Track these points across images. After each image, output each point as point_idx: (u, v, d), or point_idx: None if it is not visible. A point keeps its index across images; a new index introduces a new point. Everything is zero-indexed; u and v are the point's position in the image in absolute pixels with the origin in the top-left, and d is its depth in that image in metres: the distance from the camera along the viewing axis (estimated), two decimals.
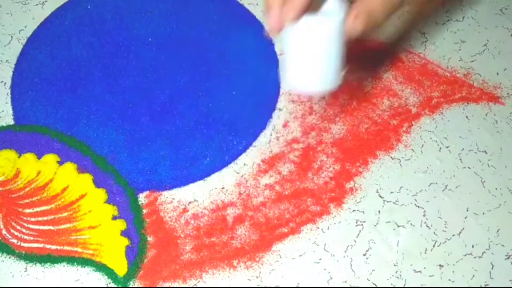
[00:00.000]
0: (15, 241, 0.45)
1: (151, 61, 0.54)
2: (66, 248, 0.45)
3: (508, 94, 0.52)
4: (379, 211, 0.47)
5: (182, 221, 0.46)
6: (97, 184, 0.47)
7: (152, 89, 0.52)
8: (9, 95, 0.52)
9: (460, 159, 0.49)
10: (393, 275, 0.44)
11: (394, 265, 0.45)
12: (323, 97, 0.50)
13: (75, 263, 0.44)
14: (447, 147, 0.50)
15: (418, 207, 0.47)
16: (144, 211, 0.47)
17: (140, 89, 0.52)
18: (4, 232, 0.45)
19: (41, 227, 0.46)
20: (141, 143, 0.50)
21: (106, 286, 0.44)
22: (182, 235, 0.46)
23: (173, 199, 0.47)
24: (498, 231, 0.46)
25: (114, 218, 0.46)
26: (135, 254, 0.45)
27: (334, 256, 0.45)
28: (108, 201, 0.47)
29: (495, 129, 0.50)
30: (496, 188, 0.48)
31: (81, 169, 0.48)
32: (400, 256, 0.45)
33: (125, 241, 0.45)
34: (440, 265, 0.45)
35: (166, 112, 0.51)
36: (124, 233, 0.45)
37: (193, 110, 0.51)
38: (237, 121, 0.51)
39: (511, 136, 0.50)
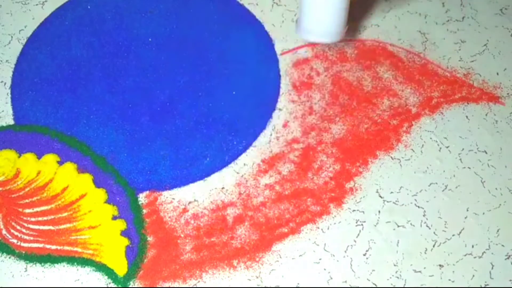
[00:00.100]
0: (15, 241, 0.45)
1: (151, 61, 0.54)
2: (66, 248, 0.45)
3: (508, 94, 0.52)
4: (379, 211, 0.47)
5: (182, 221, 0.46)
6: (97, 184, 0.47)
7: (152, 89, 0.52)
8: (9, 95, 0.52)
9: (460, 159, 0.49)
10: (393, 275, 0.44)
11: (394, 265, 0.45)
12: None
13: (75, 263, 0.44)
14: (447, 147, 0.50)
15: (418, 207, 0.47)
16: (144, 211, 0.47)
17: (140, 89, 0.52)
18: (4, 232, 0.45)
19: (41, 227, 0.46)
20: (141, 143, 0.50)
21: (106, 286, 0.44)
22: (182, 235, 0.46)
23: (173, 199, 0.47)
24: (498, 231, 0.46)
25: (114, 218, 0.46)
26: (135, 254, 0.45)
27: (334, 256, 0.45)
28: (108, 201, 0.47)
29: (495, 129, 0.50)
30: (496, 188, 0.48)
31: (81, 169, 0.48)
32: (400, 256, 0.45)
33: (125, 241, 0.45)
34: (440, 265, 0.45)
35: (166, 112, 0.51)
36: (124, 233, 0.45)
37: (193, 110, 0.51)
38: (237, 121, 0.51)
39: (511, 136, 0.50)
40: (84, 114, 0.51)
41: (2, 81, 0.52)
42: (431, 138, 0.50)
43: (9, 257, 0.45)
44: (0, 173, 0.48)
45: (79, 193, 0.47)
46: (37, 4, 0.57)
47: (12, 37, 0.55)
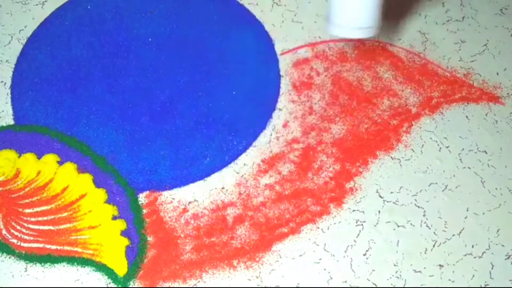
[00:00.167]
0: (15, 241, 0.45)
1: (151, 61, 0.54)
2: (66, 248, 0.45)
3: (508, 94, 0.52)
4: (379, 211, 0.47)
5: (182, 221, 0.46)
6: (97, 184, 0.47)
7: (152, 89, 0.52)
8: (9, 95, 0.52)
9: (460, 159, 0.49)
10: (393, 275, 0.44)
11: (394, 265, 0.45)
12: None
13: (75, 263, 0.44)
14: (447, 147, 0.50)
15: (418, 207, 0.47)
16: (144, 211, 0.47)
17: (140, 89, 0.52)
18: (4, 232, 0.45)
19: (41, 227, 0.46)
20: (141, 143, 0.50)
21: (106, 286, 0.44)
22: (182, 235, 0.46)
23: (173, 199, 0.47)
24: (498, 231, 0.46)
25: (114, 218, 0.46)
26: (135, 254, 0.45)
27: (334, 256, 0.45)
28: (108, 201, 0.47)
29: (495, 129, 0.51)
30: (496, 188, 0.48)
31: (81, 169, 0.48)
32: (400, 256, 0.45)
33: (125, 241, 0.45)
34: (440, 265, 0.45)
35: (166, 112, 0.51)
36: (124, 233, 0.46)
37: (193, 110, 0.51)
38: (237, 121, 0.51)
39: (511, 136, 0.50)
40: (84, 114, 0.51)
41: (2, 81, 0.52)
42: (431, 138, 0.50)
43: (9, 257, 0.45)
44: (0, 173, 0.48)
45: (79, 193, 0.47)
46: (37, 4, 0.57)
47: (12, 37, 0.55)
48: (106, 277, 0.44)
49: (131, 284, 0.44)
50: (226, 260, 0.45)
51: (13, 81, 0.53)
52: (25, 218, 0.46)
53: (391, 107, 0.51)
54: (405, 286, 0.44)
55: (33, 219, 0.46)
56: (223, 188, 0.48)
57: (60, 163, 0.48)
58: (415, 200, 0.47)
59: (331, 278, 0.44)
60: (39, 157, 0.48)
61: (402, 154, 0.49)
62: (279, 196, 0.47)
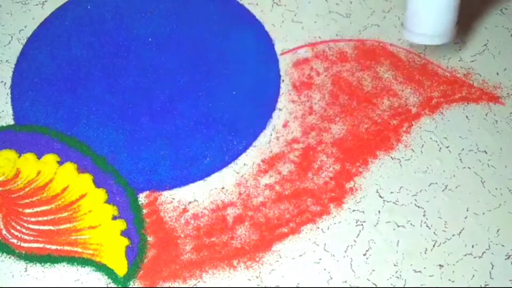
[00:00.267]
0: (15, 241, 0.45)
1: (151, 61, 0.54)
2: (66, 248, 0.45)
3: (508, 94, 0.52)
4: (379, 211, 0.47)
5: (182, 221, 0.46)
6: (97, 184, 0.47)
7: (152, 89, 0.52)
8: (9, 95, 0.52)
9: (460, 159, 0.49)
10: (393, 275, 0.44)
11: (394, 265, 0.45)
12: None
13: (75, 263, 0.44)
14: (447, 147, 0.50)
15: (418, 207, 0.47)
16: (144, 211, 0.47)
17: (140, 89, 0.52)
18: (4, 232, 0.45)
19: (41, 227, 0.46)
20: (141, 143, 0.50)
21: (106, 286, 0.44)
22: (182, 235, 0.46)
23: (173, 199, 0.47)
24: (498, 231, 0.46)
25: (114, 218, 0.46)
26: (135, 254, 0.45)
27: (334, 256, 0.45)
28: (108, 201, 0.47)
29: (495, 129, 0.51)
30: (496, 188, 0.48)
31: (81, 169, 0.48)
32: (400, 256, 0.45)
33: (125, 241, 0.45)
34: (440, 265, 0.45)
35: (166, 112, 0.51)
36: (124, 233, 0.46)
37: (193, 110, 0.51)
38: (237, 121, 0.51)
39: (511, 136, 0.50)
40: (84, 114, 0.51)
41: (2, 81, 0.52)
42: (431, 138, 0.50)
43: (9, 257, 0.45)
44: (0, 173, 0.48)
45: (79, 193, 0.47)
46: (37, 4, 0.57)
47: (12, 37, 0.55)
48: (106, 277, 0.44)
49: (131, 284, 0.44)
50: (226, 260, 0.45)
51: (13, 81, 0.53)
52: (25, 218, 0.46)
53: (391, 107, 0.51)
54: (405, 286, 0.44)
55: (33, 219, 0.46)
56: (223, 188, 0.48)
57: (60, 163, 0.48)
58: (415, 200, 0.47)
59: (331, 278, 0.44)
60: (39, 157, 0.48)
61: (402, 154, 0.49)
62: (279, 196, 0.47)
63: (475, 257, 0.45)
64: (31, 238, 0.45)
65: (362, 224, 0.46)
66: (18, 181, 0.47)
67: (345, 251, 0.45)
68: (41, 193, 0.47)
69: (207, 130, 0.50)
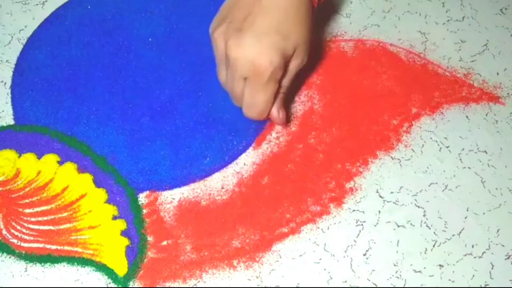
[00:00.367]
0: (15, 241, 0.45)
1: (151, 61, 0.54)
2: (66, 248, 0.45)
3: (508, 94, 0.52)
4: (379, 211, 0.47)
5: (182, 221, 0.46)
6: (97, 184, 0.47)
7: (152, 89, 0.52)
8: (9, 95, 0.52)
9: (460, 159, 0.49)
10: (393, 275, 0.44)
11: (394, 265, 0.45)
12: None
13: (75, 263, 0.44)
14: (447, 147, 0.50)
15: (418, 207, 0.47)
16: (144, 211, 0.47)
17: (140, 89, 0.52)
18: (4, 232, 0.45)
19: (41, 227, 0.46)
20: (141, 143, 0.50)
21: (106, 286, 0.44)
22: (182, 235, 0.46)
23: (173, 199, 0.47)
24: (498, 231, 0.46)
25: (114, 218, 0.46)
26: (135, 254, 0.45)
27: (334, 256, 0.45)
28: (108, 201, 0.47)
29: (495, 129, 0.51)
30: (496, 188, 0.48)
31: (81, 169, 0.48)
32: (400, 256, 0.45)
33: (125, 241, 0.45)
34: (440, 265, 0.45)
35: (166, 112, 0.51)
36: (124, 233, 0.46)
37: (193, 110, 0.51)
38: (237, 121, 0.50)
39: (511, 136, 0.50)
40: (84, 114, 0.51)
41: (2, 81, 0.52)
42: (431, 138, 0.50)
43: (9, 257, 0.45)
44: (0, 173, 0.48)
45: (79, 193, 0.47)
46: (37, 4, 0.57)
47: (12, 37, 0.55)
48: (106, 277, 0.44)
49: (131, 284, 0.44)
50: (226, 260, 0.45)
51: (13, 81, 0.53)
52: (25, 218, 0.46)
53: (391, 107, 0.51)
54: (405, 286, 0.44)
55: (33, 219, 0.46)
56: (223, 188, 0.48)
57: (60, 163, 0.48)
58: (415, 200, 0.47)
59: (331, 278, 0.44)
60: (39, 157, 0.48)
61: (402, 154, 0.49)
62: (279, 196, 0.47)
63: (475, 257, 0.45)
64: (31, 238, 0.45)
65: (362, 224, 0.46)
66: (18, 181, 0.47)
67: (345, 251, 0.45)
68: (41, 193, 0.47)
69: (207, 130, 0.50)
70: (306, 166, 0.49)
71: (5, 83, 0.52)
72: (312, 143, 0.50)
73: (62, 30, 0.55)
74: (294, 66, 0.46)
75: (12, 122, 0.50)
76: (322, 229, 0.46)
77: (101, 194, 0.47)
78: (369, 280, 0.44)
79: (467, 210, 0.47)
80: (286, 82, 0.46)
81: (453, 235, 0.46)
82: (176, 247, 0.45)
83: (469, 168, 0.49)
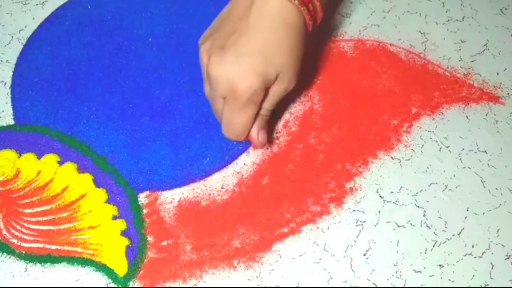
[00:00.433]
0: (15, 241, 0.45)
1: (151, 61, 0.54)
2: (66, 248, 0.45)
3: (508, 94, 0.52)
4: (379, 211, 0.47)
5: (182, 221, 0.46)
6: (97, 184, 0.47)
7: (152, 89, 0.52)
8: (9, 95, 0.52)
9: (460, 159, 0.49)
10: (393, 275, 0.44)
11: (394, 265, 0.45)
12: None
13: (75, 263, 0.44)
14: (447, 147, 0.50)
15: (418, 207, 0.47)
16: (144, 211, 0.47)
17: (140, 89, 0.52)
18: (4, 232, 0.45)
19: (41, 227, 0.46)
20: (141, 143, 0.50)
21: (106, 286, 0.44)
22: (182, 235, 0.46)
23: (173, 199, 0.47)
24: (498, 231, 0.46)
25: (114, 218, 0.46)
26: (135, 254, 0.45)
27: (334, 256, 0.45)
28: (108, 201, 0.47)
29: (495, 129, 0.51)
30: (496, 188, 0.48)
31: (81, 169, 0.48)
32: (400, 256, 0.45)
33: (125, 241, 0.45)
34: (440, 265, 0.45)
35: (166, 112, 0.51)
36: (124, 233, 0.46)
37: (193, 110, 0.51)
38: None
39: (511, 136, 0.50)
40: (84, 114, 0.51)
41: (2, 81, 0.52)
42: (431, 138, 0.50)
43: (9, 257, 0.45)
44: (0, 173, 0.48)
45: (79, 193, 0.47)
46: (37, 4, 0.57)
47: (12, 37, 0.55)
48: (106, 277, 0.44)
49: (131, 284, 0.44)
50: (226, 260, 0.45)
51: (13, 81, 0.53)
52: (25, 218, 0.46)
53: (391, 107, 0.51)
54: (405, 286, 0.44)
55: (33, 219, 0.46)
56: (223, 188, 0.48)
57: (60, 163, 0.48)
58: (415, 200, 0.47)
59: (331, 278, 0.44)
60: (39, 157, 0.48)
61: (402, 154, 0.49)
62: (279, 196, 0.47)
63: (475, 257, 0.45)
64: (31, 238, 0.45)
65: (362, 224, 0.46)
66: (18, 181, 0.47)
67: (345, 251, 0.45)
68: (41, 193, 0.47)
69: (207, 130, 0.50)
70: (306, 166, 0.49)
71: (5, 83, 0.52)
72: (312, 143, 0.50)
73: (62, 30, 0.55)
74: (277, 91, 0.44)
75: (12, 122, 0.50)
76: (322, 229, 0.46)
77: (101, 194, 0.47)
78: (369, 280, 0.44)
79: (467, 210, 0.47)
80: (268, 105, 0.44)
81: (453, 235, 0.46)
82: (176, 247, 0.45)
83: (469, 168, 0.49)
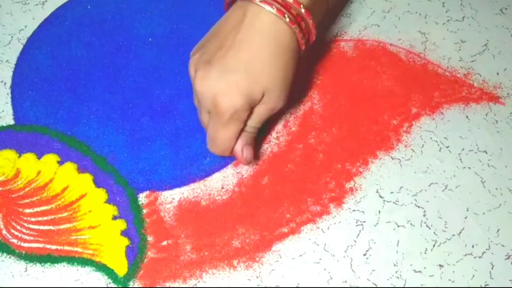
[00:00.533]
0: (15, 241, 0.45)
1: (151, 61, 0.54)
2: (66, 248, 0.45)
3: (508, 94, 0.52)
4: (379, 211, 0.47)
5: (182, 221, 0.46)
6: (97, 184, 0.47)
7: (152, 89, 0.52)
8: (9, 95, 0.52)
9: (460, 159, 0.49)
10: (393, 275, 0.44)
11: (394, 265, 0.45)
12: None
13: (75, 263, 0.44)
14: (447, 147, 0.50)
15: (418, 207, 0.47)
16: (144, 211, 0.47)
17: (140, 89, 0.52)
18: (4, 232, 0.45)
19: (41, 227, 0.46)
20: (141, 143, 0.50)
21: (106, 286, 0.44)
22: (182, 235, 0.46)
23: (173, 199, 0.47)
24: (498, 231, 0.46)
25: (114, 218, 0.46)
26: (135, 254, 0.45)
27: (334, 256, 0.45)
28: (108, 201, 0.47)
29: (495, 129, 0.51)
30: (496, 188, 0.48)
31: (81, 169, 0.48)
32: (400, 256, 0.45)
33: (125, 241, 0.45)
34: (440, 265, 0.45)
35: (166, 112, 0.51)
36: (124, 233, 0.46)
37: (193, 110, 0.51)
38: None
39: (511, 136, 0.50)
40: (84, 114, 0.51)
41: (2, 81, 0.52)
42: (431, 138, 0.50)
43: (9, 257, 0.45)
44: (0, 173, 0.48)
45: (79, 193, 0.47)
46: (37, 4, 0.57)
47: (12, 37, 0.55)
48: (106, 277, 0.44)
49: (131, 284, 0.44)
50: (226, 260, 0.45)
51: (13, 81, 0.53)
52: (25, 218, 0.46)
53: (391, 107, 0.51)
54: (405, 286, 0.44)
55: (33, 219, 0.46)
56: (223, 188, 0.48)
57: (60, 163, 0.48)
58: (415, 200, 0.47)
59: (331, 278, 0.44)
60: (39, 157, 0.48)
61: (402, 154, 0.49)
62: (279, 196, 0.47)
63: (475, 257, 0.45)
64: (31, 238, 0.45)
65: (362, 224, 0.46)
66: (18, 181, 0.47)
67: (345, 251, 0.45)
68: (41, 193, 0.47)
69: None
70: (306, 166, 0.49)
71: (5, 83, 0.52)
72: (312, 143, 0.50)
73: (62, 30, 0.55)
74: (263, 110, 0.42)
75: (12, 122, 0.50)
76: (322, 229, 0.46)
77: (101, 194, 0.47)
78: (369, 280, 0.44)
79: (467, 210, 0.47)
80: (254, 123, 0.43)
81: (453, 235, 0.46)
82: (176, 247, 0.45)
83: (469, 168, 0.49)
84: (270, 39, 0.40)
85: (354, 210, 0.47)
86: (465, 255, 0.45)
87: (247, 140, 0.44)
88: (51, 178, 0.47)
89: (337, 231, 0.46)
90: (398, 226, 0.46)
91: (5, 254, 0.45)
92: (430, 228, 0.46)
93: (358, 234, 0.46)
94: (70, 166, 0.48)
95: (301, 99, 0.52)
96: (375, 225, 0.46)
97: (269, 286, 0.44)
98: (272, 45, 0.40)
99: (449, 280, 0.44)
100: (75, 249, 0.45)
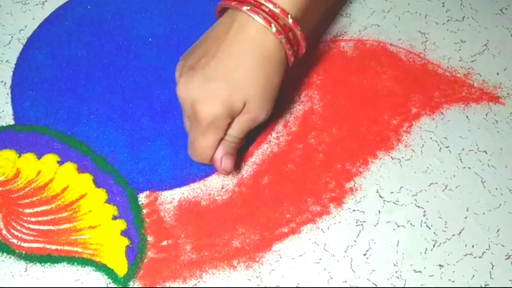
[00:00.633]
0: (15, 241, 0.45)
1: (151, 61, 0.54)
2: (66, 248, 0.45)
3: (508, 94, 0.52)
4: (379, 211, 0.47)
5: (182, 221, 0.46)
6: (97, 184, 0.47)
7: (152, 89, 0.52)
8: (9, 95, 0.52)
9: (460, 159, 0.49)
10: (393, 275, 0.44)
11: (394, 265, 0.45)
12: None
13: (75, 263, 0.44)
14: (447, 147, 0.50)
15: (418, 207, 0.47)
16: (144, 211, 0.47)
17: (140, 89, 0.52)
18: (4, 232, 0.45)
19: (41, 227, 0.46)
20: (141, 143, 0.50)
21: (106, 286, 0.44)
22: (182, 235, 0.46)
23: (173, 199, 0.47)
24: (498, 231, 0.46)
25: (114, 218, 0.46)
26: (135, 254, 0.45)
27: (334, 256, 0.45)
28: (108, 201, 0.47)
29: (495, 129, 0.51)
30: (496, 188, 0.48)
31: (81, 169, 0.48)
32: (400, 256, 0.45)
33: (125, 241, 0.45)
34: (440, 265, 0.45)
35: (166, 112, 0.51)
36: (124, 233, 0.46)
37: None
38: None
39: (511, 136, 0.50)
40: (84, 114, 0.51)
41: (2, 81, 0.52)
42: (431, 138, 0.50)
43: (9, 257, 0.45)
44: (0, 173, 0.48)
45: (79, 193, 0.47)
46: (37, 4, 0.57)
47: (12, 37, 0.55)
48: (106, 277, 0.44)
49: (131, 284, 0.44)
50: (226, 260, 0.45)
51: (13, 81, 0.53)
52: (25, 218, 0.46)
53: (391, 107, 0.51)
54: (405, 286, 0.44)
55: (33, 219, 0.46)
56: (223, 188, 0.48)
57: (60, 163, 0.48)
58: (415, 200, 0.47)
59: (331, 278, 0.44)
60: (39, 157, 0.48)
61: (402, 154, 0.49)
62: (279, 196, 0.47)
63: (475, 257, 0.45)
64: (31, 238, 0.45)
65: (362, 224, 0.46)
66: (18, 181, 0.47)
67: (345, 251, 0.45)
68: (41, 193, 0.47)
69: None
70: (306, 166, 0.49)
71: (5, 83, 0.52)
72: (312, 143, 0.50)
73: (62, 30, 0.55)
74: (244, 120, 0.42)
75: (12, 122, 0.50)
76: (322, 229, 0.46)
77: (101, 194, 0.47)
78: (369, 280, 0.44)
79: (467, 210, 0.47)
80: (235, 133, 0.43)
81: (453, 235, 0.46)
82: (176, 247, 0.45)
83: (469, 168, 0.49)
84: (254, 48, 0.40)
85: (354, 210, 0.47)
86: (465, 255, 0.45)
87: (227, 149, 0.43)
88: (51, 178, 0.47)
89: (337, 231, 0.46)
90: (398, 226, 0.46)
91: (5, 254, 0.45)
92: (430, 228, 0.46)
93: (358, 234, 0.46)
94: (70, 166, 0.48)
95: (301, 99, 0.52)
96: (375, 225, 0.46)
97: (269, 286, 0.44)
98: (256, 55, 0.40)
99: (449, 280, 0.44)
100: (75, 249, 0.45)
